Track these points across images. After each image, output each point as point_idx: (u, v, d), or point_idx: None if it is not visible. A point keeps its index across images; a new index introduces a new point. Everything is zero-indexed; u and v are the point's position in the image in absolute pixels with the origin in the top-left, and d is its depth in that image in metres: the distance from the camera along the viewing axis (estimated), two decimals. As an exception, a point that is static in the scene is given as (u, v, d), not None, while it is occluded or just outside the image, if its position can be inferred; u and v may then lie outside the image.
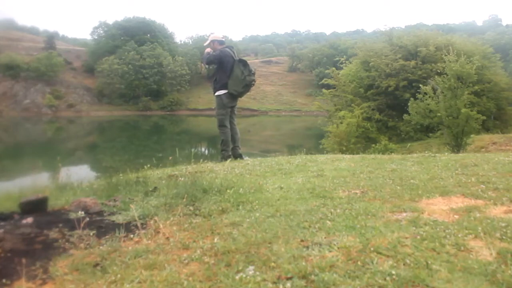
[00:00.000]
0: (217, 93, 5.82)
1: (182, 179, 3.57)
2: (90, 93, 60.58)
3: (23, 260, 1.78)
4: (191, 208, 2.72)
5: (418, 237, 2.03)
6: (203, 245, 2.02)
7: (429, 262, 1.71)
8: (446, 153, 7.07)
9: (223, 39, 6.08)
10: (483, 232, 2.05)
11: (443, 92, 11.99)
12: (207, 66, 6.06)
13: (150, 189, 3.22)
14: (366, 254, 1.82)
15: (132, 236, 2.23)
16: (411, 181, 3.47)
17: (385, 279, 1.57)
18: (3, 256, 1.90)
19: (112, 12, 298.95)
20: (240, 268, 1.74)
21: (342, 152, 12.28)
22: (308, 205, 2.73)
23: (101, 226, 2.38)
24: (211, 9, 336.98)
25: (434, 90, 12.73)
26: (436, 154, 5.41)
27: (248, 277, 1.64)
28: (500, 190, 3.01)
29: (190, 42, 77.53)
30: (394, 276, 1.59)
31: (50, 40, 68.07)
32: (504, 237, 2.00)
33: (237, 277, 1.65)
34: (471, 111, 11.87)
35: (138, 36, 66.16)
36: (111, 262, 1.84)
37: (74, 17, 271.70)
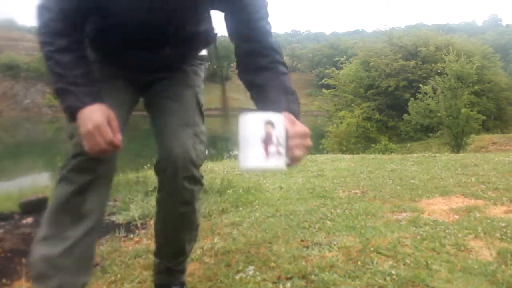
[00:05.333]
0: None
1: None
2: (90, 93, 60.54)
3: (23, 260, 1.78)
4: (191, 208, 2.72)
5: (418, 237, 2.03)
6: (203, 245, 2.02)
7: (429, 262, 1.71)
8: (446, 153, 7.08)
9: None
10: (483, 232, 2.05)
11: (443, 92, 12.02)
12: None
13: (150, 189, 3.21)
14: (366, 254, 1.82)
15: (132, 236, 2.23)
16: (411, 181, 3.47)
17: (385, 279, 1.57)
18: (3, 256, 1.90)
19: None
20: (240, 268, 1.74)
21: (342, 152, 12.29)
22: (308, 205, 2.73)
23: (101, 226, 2.38)
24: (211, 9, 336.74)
25: (434, 90, 12.74)
26: (436, 154, 5.41)
27: (248, 277, 1.64)
28: (500, 190, 3.01)
29: (190, 42, 77.50)
30: (394, 276, 1.58)
31: (50, 40, 68.01)
32: (504, 237, 1.99)
33: (237, 277, 1.64)
34: (471, 111, 11.89)
35: (138, 36, 66.18)
36: (111, 262, 1.84)
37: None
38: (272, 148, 0.72)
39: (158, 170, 1.26)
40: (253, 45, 1.02)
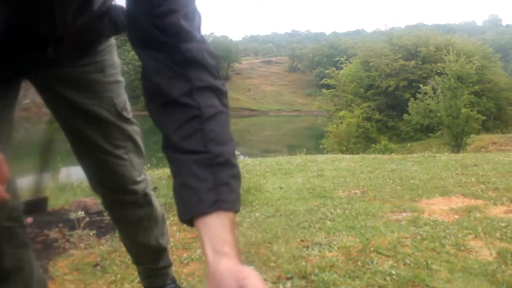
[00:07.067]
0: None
1: (182, 179, 3.56)
2: (90, 93, 60.56)
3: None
4: (191, 208, 2.72)
5: (418, 237, 2.03)
6: (203, 245, 2.02)
7: (429, 262, 1.71)
8: (446, 153, 7.08)
9: None
10: (483, 232, 2.05)
11: (443, 92, 12.03)
12: None
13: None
14: (366, 254, 1.82)
15: (132, 236, 2.23)
16: (411, 181, 3.47)
17: (385, 279, 1.57)
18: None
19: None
20: (240, 268, 1.73)
21: (342, 152, 12.30)
22: (308, 205, 2.73)
23: (101, 226, 2.38)
24: (211, 9, 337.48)
25: (434, 90, 12.76)
26: (436, 154, 5.41)
27: (248, 277, 1.63)
28: (500, 190, 3.01)
29: (190, 42, 77.39)
30: (394, 276, 1.58)
31: (50, 40, 68.04)
32: (504, 237, 1.99)
33: (237, 277, 1.64)
34: (471, 111, 11.92)
35: (138, 36, 66.26)
36: (111, 262, 1.84)
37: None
38: None
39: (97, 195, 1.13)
40: (159, 57, 0.62)
